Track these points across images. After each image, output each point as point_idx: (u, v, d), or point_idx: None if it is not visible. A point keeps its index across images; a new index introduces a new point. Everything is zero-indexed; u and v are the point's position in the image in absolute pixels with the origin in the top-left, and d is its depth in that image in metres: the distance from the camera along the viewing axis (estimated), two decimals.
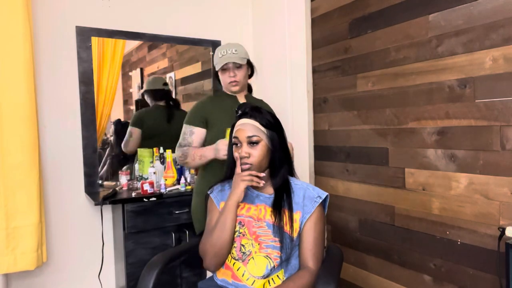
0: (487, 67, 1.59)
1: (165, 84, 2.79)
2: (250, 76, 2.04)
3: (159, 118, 2.71)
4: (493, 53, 1.57)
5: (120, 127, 2.68)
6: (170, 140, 2.61)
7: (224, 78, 1.94)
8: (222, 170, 1.61)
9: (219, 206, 1.47)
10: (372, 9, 2.06)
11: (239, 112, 1.44)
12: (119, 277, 2.38)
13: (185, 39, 2.71)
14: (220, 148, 1.76)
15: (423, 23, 1.82)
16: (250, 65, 2.00)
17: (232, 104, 1.90)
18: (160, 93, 2.74)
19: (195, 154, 1.87)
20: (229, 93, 1.99)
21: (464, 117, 1.67)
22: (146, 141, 2.62)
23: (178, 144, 1.96)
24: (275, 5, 2.71)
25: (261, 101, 2.10)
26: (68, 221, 2.35)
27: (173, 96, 2.83)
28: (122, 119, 2.72)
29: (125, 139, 2.62)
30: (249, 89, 2.11)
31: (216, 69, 1.92)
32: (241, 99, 1.99)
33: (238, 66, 1.91)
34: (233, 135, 1.42)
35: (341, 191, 2.31)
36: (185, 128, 1.95)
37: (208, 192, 1.53)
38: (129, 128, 2.63)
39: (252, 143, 1.37)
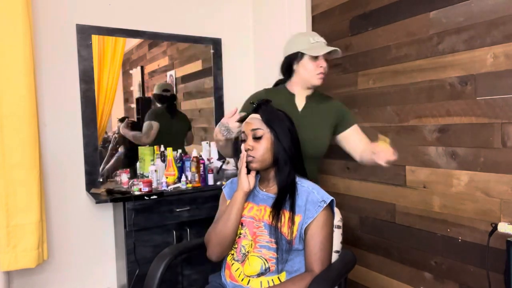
0: (488, 64, 1.58)
1: (165, 90, 2.87)
2: None
3: (166, 117, 2.82)
4: (494, 50, 1.56)
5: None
6: (180, 140, 2.82)
7: (312, 67, 1.65)
8: None
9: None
10: (372, 6, 2.05)
11: (253, 106, 1.45)
12: (120, 275, 2.39)
13: (186, 37, 2.71)
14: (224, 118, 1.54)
15: (424, 20, 1.81)
16: None
17: (286, 102, 1.68)
18: (161, 97, 2.84)
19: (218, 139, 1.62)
20: (290, 90, 1.73)
21: (465, 114, 1.67)
22: (160, 138, 2.71)
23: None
24: (275, 2, 2.71)
25: (328, 98, 1.80)
26: (69, 219, 2.35)
27: (173, 101, 2.94)
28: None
29: (144, 131, 2.72)
30: None
31: (312, 54, 1.63)
32: (300, 99, 1.72)
33: (327, 59, 1.67)
34: (241, 129, 1.44)
35: (342, 189, 2.31)
36: (241, 108, 1.70)
37: (222, 187, 1.56)
38: (149, 122, 2.74)
39: (256, 136, 1.37)
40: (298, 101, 1.73)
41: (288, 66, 1.70)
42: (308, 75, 1.67)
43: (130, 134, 2.73)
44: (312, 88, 1.73)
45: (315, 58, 1.64)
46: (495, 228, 1.47)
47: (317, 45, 1.66)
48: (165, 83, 2.90)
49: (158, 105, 2.84)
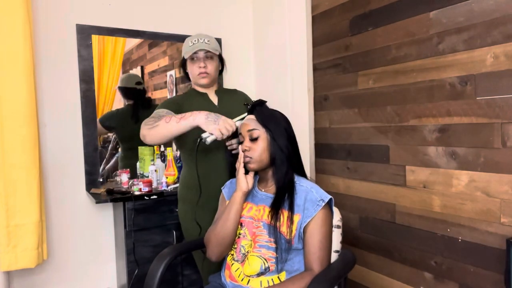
0: (488, 64, 1.58)
1: (139, 83, 2.66)
2: (221, 72, 1.92)
3: (127, 119, 2.63)
4: (494, 50, 1.56)
5: None
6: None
7: (193, 69, 1.79)
8: (194, 175, 1.63)
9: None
10: (372, 6, 2.05)
11: (248, 107, 1.47)
12: (120, 275, 2.39)
13: (186, 37, 2.69)
14: (222, 121, 1.45)
15: (424, 20, 1.81)
16: (221, 60, 1.88)
17: (202, 101, 1.81)
18: (132, 92, 2.64)
19: (173, 117, 1.51)
20: (199, 90, 1.86)
21: (465, 114, 1.67)
22: (125, 143, 2.62)
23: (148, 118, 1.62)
24: (275, 2, 2.71)
25: (234, 90, 1.99)
26: (69, 219, 2.35)
27: (147, 95, 2.73)
28: None
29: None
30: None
31: (185, 57, 1.78)
32: (212, 95, 1.86)
33: (210, 57, 1.78)
34: (238, 131, 1.44)
35: (342, 189, 2.31)
36: (159, 109, 1.68)
37: (222, 188, 1.57)
38: (98, 124, 2.47)
39: (252, 137, 1.38)
40: (211, 98, 1.86)
41: (183, 70, 1.87)
42: (193, 77, 1.82)
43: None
44: (209, 85, 1.84)
45: (193, 59, 1.77)
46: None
47: (193, 47, 1.75)
48: (135, 75, 2.67)
49: (124, 101, 2.62)
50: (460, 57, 1.68)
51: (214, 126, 1.44)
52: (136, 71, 2.80)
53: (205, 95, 1.86)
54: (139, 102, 2.65)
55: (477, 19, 1.61)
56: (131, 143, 2.57)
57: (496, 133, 1.57)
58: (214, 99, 1.87)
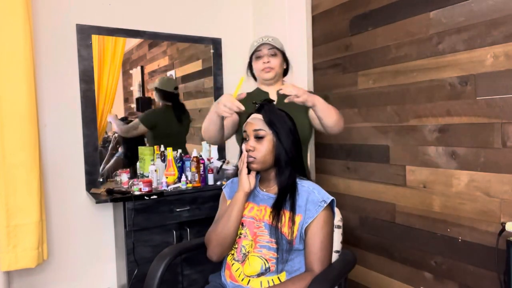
0: (488, 64, 1.58)
1: (176, 88, 2.83)
2: (285, 72, 1.94)
3: (169, 118, 2.77)
4: (494, 50, 1.56)
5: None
6: (182, 139, 2.74)
7: (257, 66, 1.85)
8: None
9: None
10: (372, 6, 2.05)
11: (257, 106, 1.45)
12: (120, 275, 2.39)
13: (186, 37, 2.71)
14: (221, 99, 1.54)
15: (424, 20, 1.81)
16: (286, 60, 1.91)
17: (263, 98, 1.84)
18: (169, 95, 2.79)
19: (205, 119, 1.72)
20: (263, 89, 1.90)
21: (465, 114, 1.67)
22: (159, 140, 2.63)
23: None
24: (275, 2, 2.71)
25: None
26: (69, 219, 2.35)
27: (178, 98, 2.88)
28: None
29: (128, 127, 2.66)
30: None
31: (250, 53, 1.87)
32: (273, 94, 1.85)
33: (273, 54, 1.83)
34: (243, 129, 1.43)
35: (342, 189, 2.31)
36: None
37: (222, 187, 1.56)
38: (138, 123, 2.67)
39: (258, 137, 1.37)
40: (272, 97, 1.83)
41: (250, 70, 1.94)
42: (258, 73, 1.88)
43: (115, 123, 2.66)
44: (273, 81, 1.88)
45: (258, 57, 1.84)
46: (503, 228, 1.45)
47: (257, 44, 1.84)
48: (173, 79, 2.84)
49: (158, 101, 2.76)
50: (460, 57, 1.68)
51: (220, 106, 1.53)
52: (136, 71, 2.81)
53: (267, 94, 1.86)
54: (176, 105, 2.80)
55: (477, 19, 1.61)
56: (167, 140, 2.60)
57: (496, 133, 1.57)
58: (275, 98, 1.83)
